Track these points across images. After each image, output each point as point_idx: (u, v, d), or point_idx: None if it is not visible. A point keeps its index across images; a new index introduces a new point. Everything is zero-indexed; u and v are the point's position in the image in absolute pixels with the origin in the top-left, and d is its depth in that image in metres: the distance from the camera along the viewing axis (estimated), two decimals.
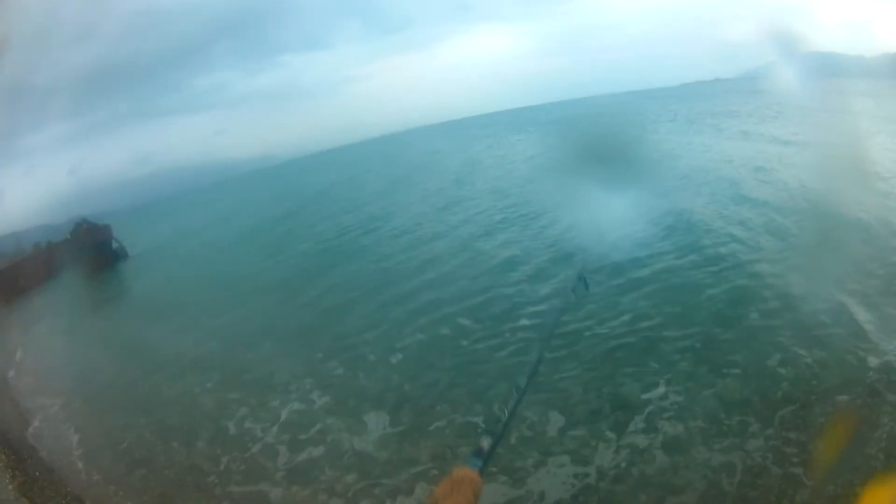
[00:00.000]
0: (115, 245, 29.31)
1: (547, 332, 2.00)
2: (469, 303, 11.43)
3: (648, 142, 26.65)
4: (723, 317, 8.89)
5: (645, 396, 7.20)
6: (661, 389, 7.29)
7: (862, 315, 8.07)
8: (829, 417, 6.07)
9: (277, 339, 11.44)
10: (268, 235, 26.31)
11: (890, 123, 22.38)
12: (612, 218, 14.29)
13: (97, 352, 13.27)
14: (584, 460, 6.30)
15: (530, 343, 9.00)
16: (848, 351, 7.23)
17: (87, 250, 27.31)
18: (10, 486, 6.78)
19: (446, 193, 26.10)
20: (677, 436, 6.40)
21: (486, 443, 1.36)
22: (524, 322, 9.80)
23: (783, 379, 7.01)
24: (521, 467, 6.30)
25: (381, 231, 20.99)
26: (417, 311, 11.51)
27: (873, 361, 6.98)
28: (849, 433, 5.70)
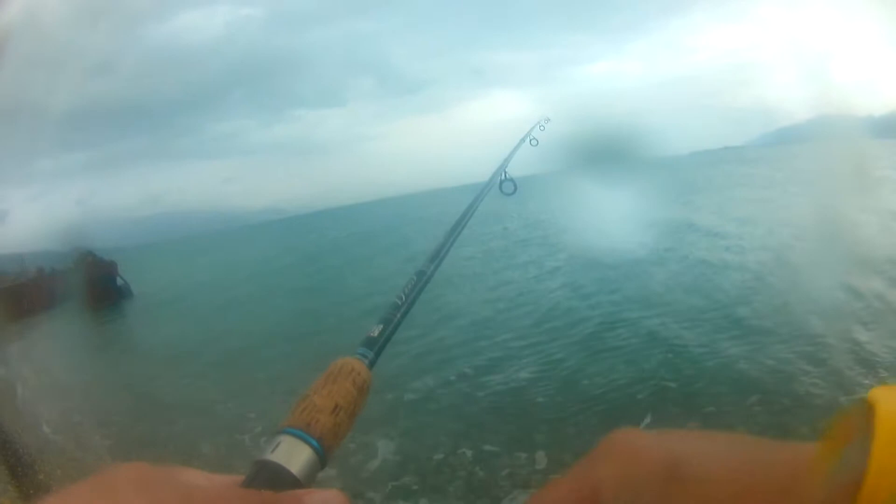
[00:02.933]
0: (119, 282, 29.32)
1: (461, 220, 1.60)
2: None
3: None
4: None
5: None
6: None
7: None
8: None
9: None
10: (275, 289, 26.17)
11: None
12: None
13: (94, 390, 13.13)
14: None
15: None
16: None
17: (91, 284, 27.05)
18: None
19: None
20: None
21: (377, 331, 1.07)
22: None
23: None
24: None
25: None
26: None
27: None
28: None
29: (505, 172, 2.62)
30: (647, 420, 8.41)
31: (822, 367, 9.01)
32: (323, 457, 0.79)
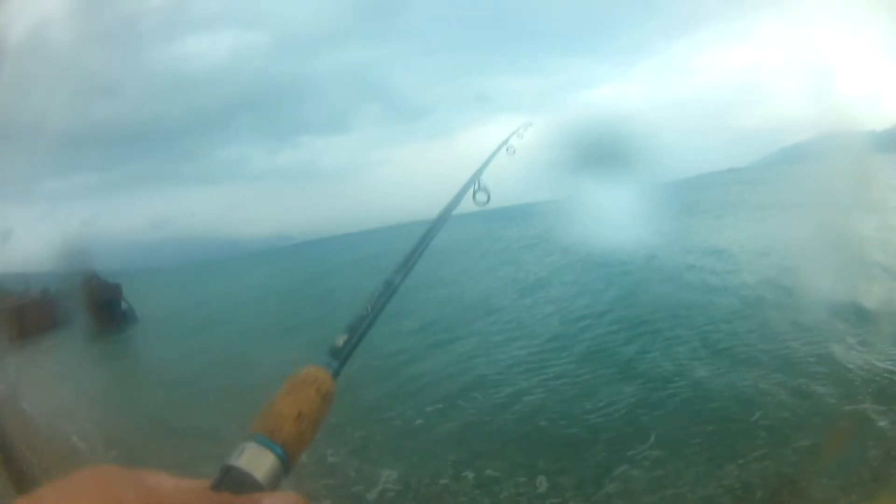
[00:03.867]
0: (124, 306, 29.24)
1: (430, 230, 1.58)
2: None
3: None
4: None
5: None
6: None
7: None
8: None
9: None
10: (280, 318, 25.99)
11: None
12: None
13: (92, 410, 12.89)
14: None
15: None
16: None
17: (95, 306, 26.84)
18: None
19: None
20: None
21: (342, 340, 1.09)
22: None
23: None
24: None
25: None
26: None
27: None
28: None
29: (479, 182, 2.57)
30: (652, 440, 8.38)
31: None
32: (286, 463, 0.80)
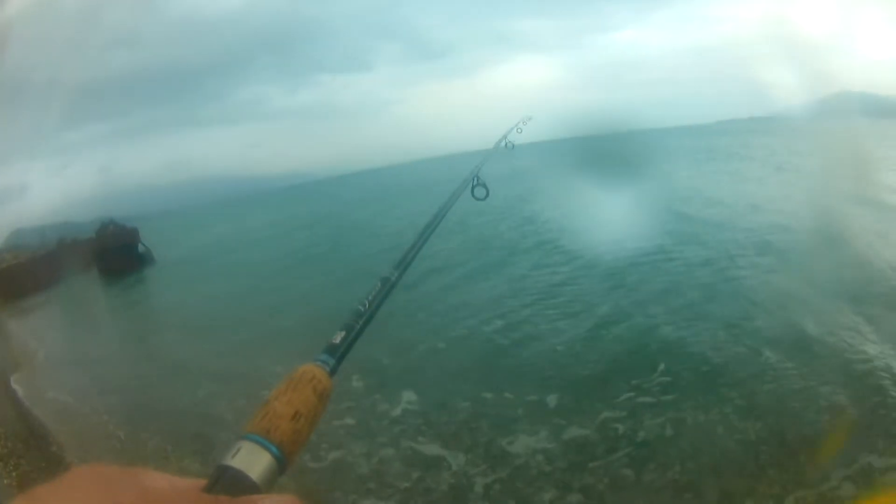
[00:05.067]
0: (141, 249, 29.39)
1: (429, 226, 1.59)
2: None
3: None
4: None
5: None
6: None
7: None
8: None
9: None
10: (297, 257, 26.12)
11: None
12: None
13: (111, 357, 13.37)
14: None
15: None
16: None
17: (112, 251, 27.27)
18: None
19: None
20: None
21: (339, 338, 1.09)
22: None
23: None
24: None
25: None
26: None
27: None
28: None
29: (477, 177, 2.62)
30: (662, 367, 8.61)
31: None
32: (283, 463, 0.80)
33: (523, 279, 14.73)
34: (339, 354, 1.07)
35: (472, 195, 2.55)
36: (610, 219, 18.72)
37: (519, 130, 3.90)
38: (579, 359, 9.56)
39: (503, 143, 3.64)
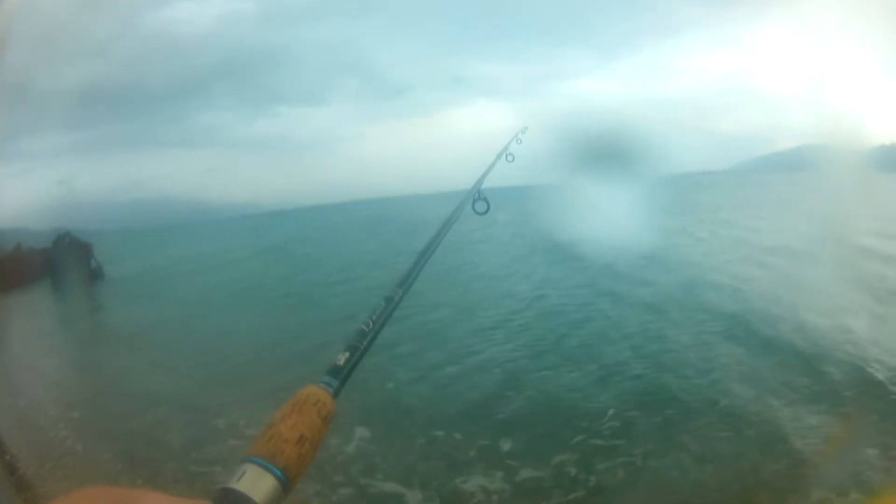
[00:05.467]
0: (93, 264, 28.98)
1: (432, 243, 1.66)
2: None
3: None
4: None
5: None
6: None
7: None
8: None
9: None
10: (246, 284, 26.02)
11: None
12: None
13: (57, 369, 12.98)
14: None
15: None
16: None
17: (67, 264, 26.80)
18: None
19: None
20: None
21: (343, 359, 1.08)
22: None
23: None
24: None
25: None
26: None
27: None
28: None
29: (479, 191, 2.65)
30: (611, 412, 8.75)
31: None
32: (286, 486, 0.81)
33: (477, 321, 14.81)
34: (342, 376, 1.07)
35: (473, 209, 2.57)
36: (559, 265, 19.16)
37: (518, 141, 3.90)
38: (530, 401, 9.65)
39: (504, 156, 3.65)
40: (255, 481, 0.78)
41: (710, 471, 7.18)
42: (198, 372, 12.12)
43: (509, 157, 3.72)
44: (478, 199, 2.61)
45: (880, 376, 9.30)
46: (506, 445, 8.13)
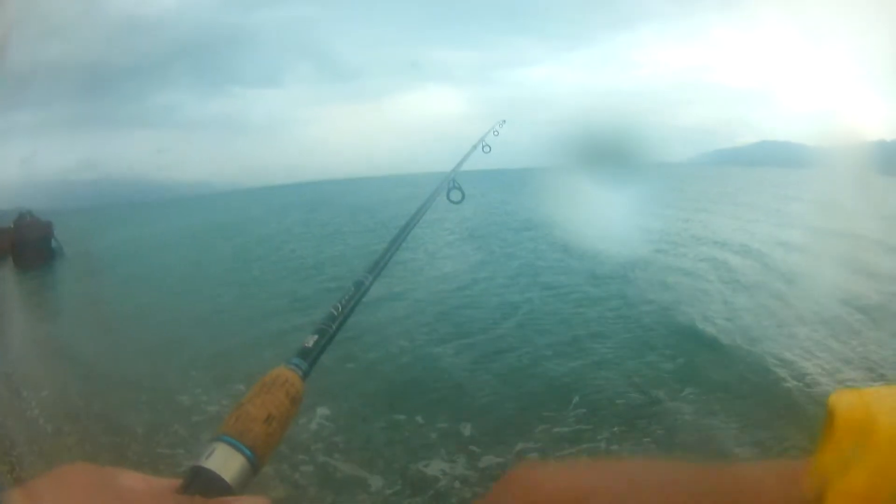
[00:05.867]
0: (53, 244, 28.82)
1: (403, 230, 1.70)
2: None
3: None
4: None
5: None
6: None
7: None
8: None
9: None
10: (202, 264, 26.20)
11: None
12: None
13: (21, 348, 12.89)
14: None
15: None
16: None
17: (28, 243, 27.07)
18: None
19: None
20: None
21: (311, 341, 1.10)
22: None
23: None
24: None
25: None
26: None
27: None
28: None
29: (453, 180, 2.62)
30: (576, 399, 8.84)
31: None
32: (255, 465, 0.83)
33: (436, 305, 14.85)
34: (311, 358, 1.08)
35: (448, 198, 2.56)
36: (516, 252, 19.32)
37: (495, 133, 3.88)
38: (491, 388, 9.65)
39: (480, 146, 3.63)
40: (225, 459, 0.80)
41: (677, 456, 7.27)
42: (161, 351, 12.07)
43: (486, 149, 3.70)
44: (452, 188, 2.59)
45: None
46: (466, 431, 8.13)
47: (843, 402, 0.58)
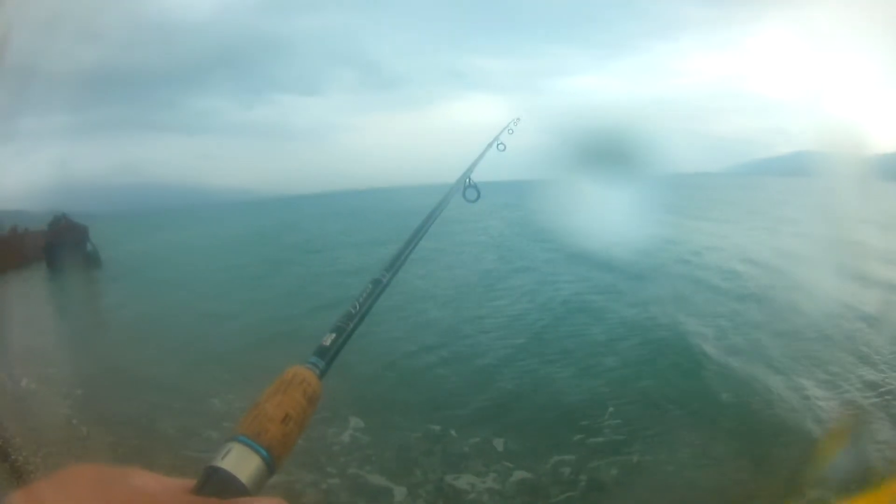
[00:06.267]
0: (89, 248, 29.01)
1: (421, 228, 1.71)
2: None
3: None
4: None
5: None
6: None
7: None
8: None
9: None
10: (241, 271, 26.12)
11: None
12: None
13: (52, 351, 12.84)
14: None
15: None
16: None
17: (63, 247, 26.88)
18: None
19: None
20: None
21: (329, 340, 1.08)
22: None
23: None
24: None
25: None
26: None
27: None
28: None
29: (469, 179, 2.61)
30: (611, 409, 8.74)
31: None
32: (271, 465, 0.81)
33: (475, 319, 14.73)
34: (329, 357, 1.07)
35: (464, 197, 2.53)
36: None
37: (510, 132, 3.87)
38: (527, 400, 9.59)
39: (496, 145, 3.62)
40: (240, 460, 0.79)
41: (709, 469, 7.18)
42: (192, 355, 12.23)
43: (500, 147, 3.67)
44: (468, 187, 2.57)
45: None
46: (500, 444, 8.07)
47: None
